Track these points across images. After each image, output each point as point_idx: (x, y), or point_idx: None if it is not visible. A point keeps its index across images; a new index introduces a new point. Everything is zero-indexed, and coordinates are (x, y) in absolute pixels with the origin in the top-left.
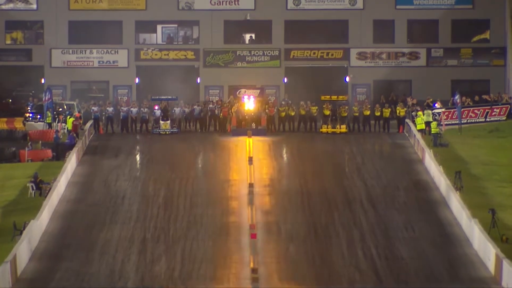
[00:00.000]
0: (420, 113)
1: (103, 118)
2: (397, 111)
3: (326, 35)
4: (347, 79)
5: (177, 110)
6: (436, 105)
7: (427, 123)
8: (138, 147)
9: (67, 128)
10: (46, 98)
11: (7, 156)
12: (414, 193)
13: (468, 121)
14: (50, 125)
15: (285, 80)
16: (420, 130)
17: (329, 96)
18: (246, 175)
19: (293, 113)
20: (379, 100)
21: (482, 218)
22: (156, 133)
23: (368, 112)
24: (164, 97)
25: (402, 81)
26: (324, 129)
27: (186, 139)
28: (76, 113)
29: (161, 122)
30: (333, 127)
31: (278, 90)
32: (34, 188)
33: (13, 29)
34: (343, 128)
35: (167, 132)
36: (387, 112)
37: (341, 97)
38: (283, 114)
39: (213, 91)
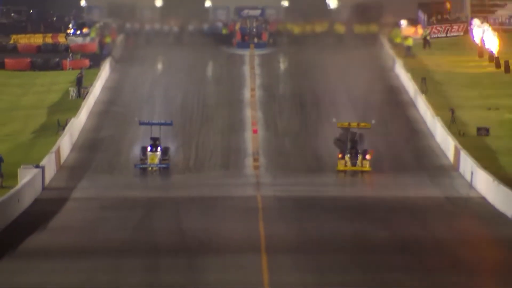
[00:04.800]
0: (396, 29)
1: (132, 33)
2: (371, 27)
3: None
4: (331, 4)
5: (191, 27)
6: (402, 22)
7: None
8: (159, 58)
9: (105, 40)
10: (88, 17)
11: (52, 65)
12: (387, 96)
13: (432, 36)
14: (93, 39)
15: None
16: (397, 43)
17: (347, 123)
18: (249, 81)
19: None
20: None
21: (443, 116)
22: (140, 169)
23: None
24: (156, 122)
25: (375, 5)
26: (341, 167)
27: (198, 51)
28: (111, 29)
29: (149, 153)
30: (353, 164)
31: (278, 11)
32: (75, 91)
33: None
34: (366, 166)
35: (153, 168)
36: (363, 28)
37: (363, 124)
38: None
39: (220, 12)
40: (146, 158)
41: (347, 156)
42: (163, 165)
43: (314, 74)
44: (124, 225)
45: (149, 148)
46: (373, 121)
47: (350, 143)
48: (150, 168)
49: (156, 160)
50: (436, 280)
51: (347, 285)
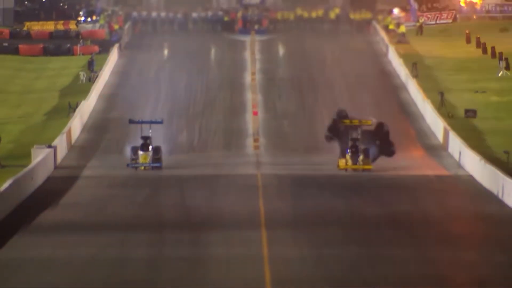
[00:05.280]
0: (388, 17)
1: (139, 20)
2: (365, 15)
3: None
4: None
5: (194, 14)
6: (394, 10)
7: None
8: (165, 44)
9: (114, 28)
10: (98, 5)
11: (63, 50)
12: (380, 80)
13: (424, 23)
14: (102, 25)
15: None
16: (390, 29)
17: (349, 121)
18: (249, 65)
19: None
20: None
21: (433, 99)
22: (132, 168)
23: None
24: (146, 120)
25: None
26: (342, 164)
27: (201, 36)
28: (118, 17)
29: (140, 152)
30: (354, 162)
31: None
32: (85, 75)
33: None
34: (367, 164)
35: (146, 168)
36: (357, 15)
37: (364, 121)
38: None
39: (222, 0)
40: (138, 158)
41: (347, 155)
42: (156, 164)
43: (311, 59)
44: (132, 202)
45: (140, 148)
46: (373, 120)
47: (351, 142)
48: (142, 168)
49: (148, 160)
50: (426, 253)
51: (342, 258)
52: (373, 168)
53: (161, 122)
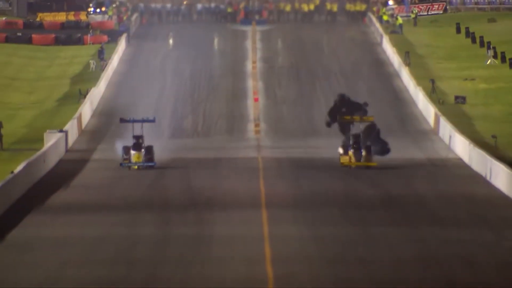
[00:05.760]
0: (383, 9)
1: (145, 11)
2: (360, 7)
3: None
4: None
5: (199, 6)
6: (389, 2)
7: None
8: (170, 34)
9: (123, 19)
10: None
11: (74, 40)
12: (374, 68)
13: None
14: (110, 17)
15: None
16: (386, 21)
17: (349, 116)
18: (251, 54)
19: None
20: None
21: (425, 86)
22: (125, 167)
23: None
24: (137, 119)
25: None
26: (345, 161)
27: (205, 27)
28: (124, 8)
29: (132, 152)
30: (358, 159)
31: None
32: (95, 63)
33: None
34: (371, 161)
35: (139, 167)
36: (353, 7)
37: (366, 117)
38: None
39: None
40: (130, 157)
41: (350, 152)
42: (150, 163)
43: (309, 48)
44: (139, 183)
45: (132, 147)
46: (373, 119)
47: (353, 138)
48: (135, 167)
49: (141, 159)
50: (418, 232)
51: (338, 236)
52: (377, 165)
53: (153, 121)
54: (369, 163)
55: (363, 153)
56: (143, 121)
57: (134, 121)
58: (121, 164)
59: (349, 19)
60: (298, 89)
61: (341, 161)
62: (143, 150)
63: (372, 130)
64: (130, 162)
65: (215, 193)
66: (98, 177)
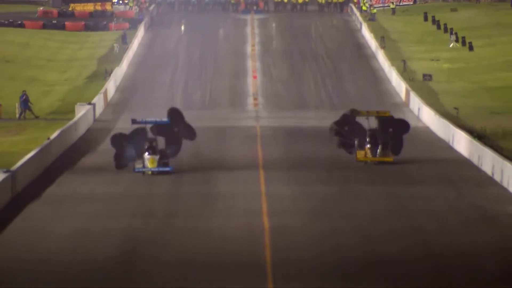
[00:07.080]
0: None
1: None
2: None
3: None
4: None
5: None
6: None
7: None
8: (182, 21)
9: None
10: None
11: (100, 27)
12: (355, 51)
13: (387, 5)
14: (131, 7)
15: None
16: (364, 10)
17: (366, 112)
18: (250, 38)
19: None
20: None
21: (397, 66)
22: (139, 172)
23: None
24: (150, 120)
25: None
26: (361, 157)
27: (212, 17)
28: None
29: (147, 156)
30: (374, 154)
31: None
32: (118, 47)
33: None
34: (388, 156)
35: (153, 173)
36: None
37: (382, 112)
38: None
39: None
40: (144, 161)
41: (366, 147)
42: (166, 168)
43: (299, 34)
44: None
45: (146, 152)
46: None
47: (369, 133)
48: (150, 172)
49: (155, 164)
50: (391, 190)
51: (325, 193)
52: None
53: (167, 122)
54: (386, 158)
55: (379, 149)
56: (155, 122)
57: (146, 122)
58: (134, 169)
59: (334, 9)
60: (290, 68)
61: (357, 156)
62: (158, 154)
63: (403, 125)
64: (144, 167)
65: (219, 156)
66: None
